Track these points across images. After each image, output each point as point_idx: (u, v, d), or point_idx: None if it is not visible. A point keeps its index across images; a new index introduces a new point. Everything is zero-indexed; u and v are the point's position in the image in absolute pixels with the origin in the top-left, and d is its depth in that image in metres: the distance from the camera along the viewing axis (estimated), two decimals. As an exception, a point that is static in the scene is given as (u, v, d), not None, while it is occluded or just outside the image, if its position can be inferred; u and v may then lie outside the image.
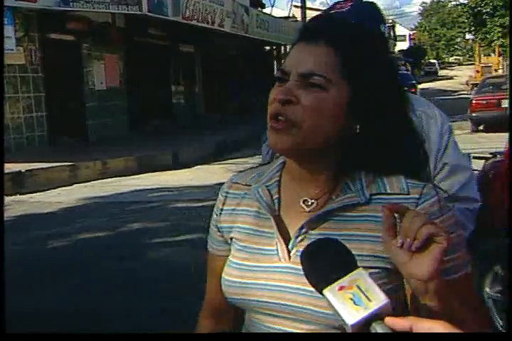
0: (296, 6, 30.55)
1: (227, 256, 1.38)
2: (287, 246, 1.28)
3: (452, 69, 62.69)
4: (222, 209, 1.43)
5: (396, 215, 1.10)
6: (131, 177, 10.90)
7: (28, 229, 7.18)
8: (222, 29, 17.53)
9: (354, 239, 1.21)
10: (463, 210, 1.98)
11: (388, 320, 0.95)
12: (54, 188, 10.02)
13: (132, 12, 13.12)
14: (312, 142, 1.24)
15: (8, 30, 11.09)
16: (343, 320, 0.96)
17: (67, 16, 12.90)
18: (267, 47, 27.64)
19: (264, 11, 27.25)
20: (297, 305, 1.23)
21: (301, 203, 1.32)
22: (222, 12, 17.29)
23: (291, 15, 30.89)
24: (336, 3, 2.04)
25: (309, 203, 1.31)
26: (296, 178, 1.34)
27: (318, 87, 1.22)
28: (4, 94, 10.24)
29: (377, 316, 0.96)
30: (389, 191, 1.26)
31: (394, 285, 1.21)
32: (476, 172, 2.06)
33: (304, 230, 1.27)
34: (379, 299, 0.97)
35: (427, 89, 34.57)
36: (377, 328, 0.95)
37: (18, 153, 11.67)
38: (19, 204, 8.85)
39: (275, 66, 28.26)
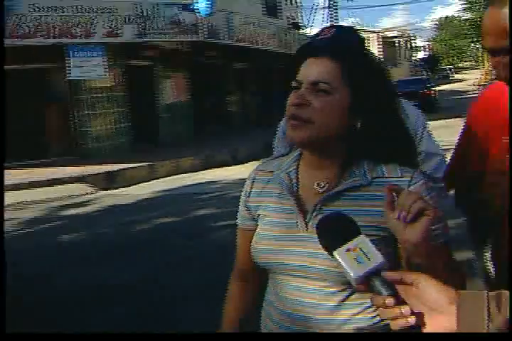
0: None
1: (252, 230, 1.38)
2: (305, 220, 1.28)
3: (464, 73, 60.80)
4: (250, 192, 1.42)
5: (394, 194, 1.09)
6: (197, 173, 10.94)
7: (117, 216, 7.39)
8: (267, 48, 17.45)
9: (359, 213, 1.20)
10: (437, 188, 1.89)
11: (384, 273, 0.96)
12: (137, 184, 10.11)
13: (193, 39, 13.22)
14: (322, 136, 1.25)
15: (99, 61, 11.40)
16: (349, 275, 0.98)
17: (144, 46, 12.99)
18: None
19: (304, 31, 27.08)
20: (313, 266, 1.23)
21: (315, 185, 1.31)
22: (266, 34, 17.27)
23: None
24: (322, 30, 2.02)
25: (322, 185, 1.31)
26: (310, 166, 1.34)
27: (324, 92, 1.24)
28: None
29: (376, 272, 0.97)
30: (386, 175, 1.26)
31: (390, 249, 1.20)
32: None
33: (318, 206, 1.27)
34: (377, 259, 0.98)
35: (442, 91, 33.63)
36: (375, 280, 0.97)
37: (109, 157, 11.84)
38: (110, 197, 9.02)
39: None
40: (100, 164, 10.89)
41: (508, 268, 1.08)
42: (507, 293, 0.90)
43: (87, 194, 9.30)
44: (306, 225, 1.27)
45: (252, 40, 16.15)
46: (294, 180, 1.33)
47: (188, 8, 12.20)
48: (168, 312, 3.85)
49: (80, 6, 10.78)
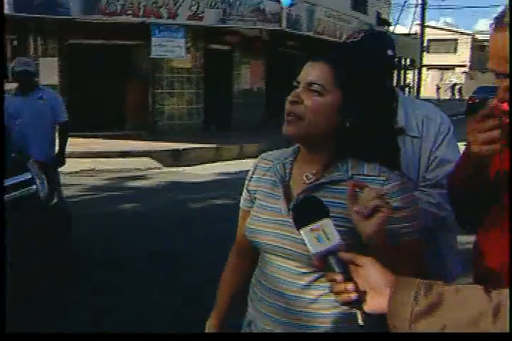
0: (418, 24, 29.51)
1: (249, 211, 1.51)
2: (288, 206, 1.38)
3: None
4: (251, 177, 1.54)
5: (357, 190, 1.18)
6: None
7: (174, 193, 7.64)
8: (348, 43, 17.43)
9: (333, 205, 1.27)
10: (443, 194, 1.88)
11: (339, 253, 1.07)
12: (202, 164, 10.33)
13: (274, 28, 13.39)
14: (311, 133, 1.33)
15: (181, 42, 11.81)
16: (311, 250, 1.09)
17: (225, 31, 13.23)
18: (388, 59, 26.91)
19: (391, 28, 26.58)
20: (288, 248, 1.34)
21: (304, 177, 1.41)
22: (349, 29, 17.16)
23: (412, 32, 29.82)
24: (352, 33, 2.05)
25: (309, 177, 1.40)
26: (303, 159, 1.44)
27: (317, 93, 1.32)
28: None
29: (332, 252, 1.08)
30: (365, 173, 1.33)
31: (355, 240, 1.21)
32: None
33: (300, 195, 1.36)
34: (335, 240, 1.09)
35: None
36: (331, 259, 1.08)
37: (179, 136, 12.16)
38: (174, 174, 9.32)
39: (394, 75, 27.44)
40: (170, 141, 11.30)
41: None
42: (439, 283, 1.03)
43: (152, 169, 9.73)
44: (288, 211, 1.37)
45: (333, 33, 16.06)
46: (288, 171, 1.44)
47: (271, -4, 12.37)
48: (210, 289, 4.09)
49: (168, -12, 11.18)
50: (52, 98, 5.08)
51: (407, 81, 30.60)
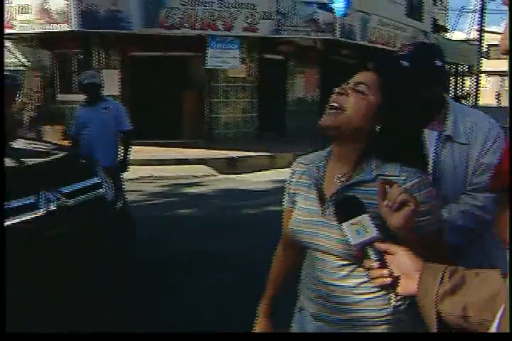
0: (476, 30, 28.94)
1: (292, 211, 1.66)
2: (322, 207, 1.53)
3: None
4: (290, 181, 1.70)
5: (386, 187, 1.31)
6: None
7: (230, 199, 7.90)
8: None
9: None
10: (489, 198, 1.98)
11: (375, 244, 1.23)
12: (256, 171, 10.55)
13: (328, 37, 13.50)
14: (346, 125, 1.47)
15: (236, 53, 12.08)
16: (351, 242, 1.25)
17: (279, 41, 13.43)
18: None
19: (448, 34, 26.22)
20: (325, 245, 1.51)
21: (336, 178, 1.55)
22: (403, 37, 17.04)
23: (471, 37, 29.27)
24: (403, 46, 2.14)
25: (340, 178, 1.54)
26: (335, 161, 1.57)
27: (361, 92, 1.49)
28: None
29: (370, 243, 1.23)
30: (387, 174, 1.46)
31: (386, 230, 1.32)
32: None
33: (334, 197, 1.51)
34: (373, 233, 1.24)
35: None
36: (369, 249, 1.23)
37: (234, 144, 12.44)
38: (230, 181, 9.57)
39: (451, 81, 27.01)
40: (225, 149, 11.58)
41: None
42: (461, 268, 1.19)
43: (207, 176, 10.03)
44: (324, 212, 1.52)
45: (387, 42, 16.04)
46: (322, 174, 1.59)
47: (324, 7, 12.49)
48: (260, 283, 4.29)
49: (223, 1, 11.51)
50: (117, 108, 5.42)
51: (465, 88, 29.99)
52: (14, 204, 3.16)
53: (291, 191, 1.69)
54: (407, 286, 1.19)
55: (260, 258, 4.83)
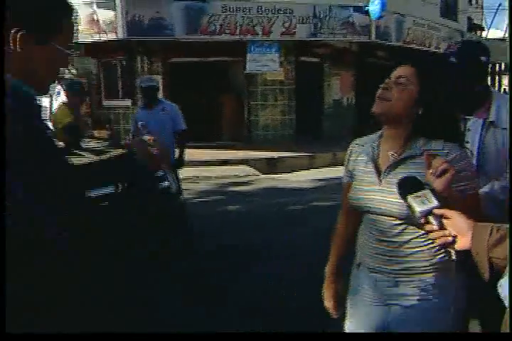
0: (512, 28, 28.50)
1: (350, 184, 2.00)
2: (379, 178, 1.87)
3: None
4: (349, 160, 2.05)
5: (431, 159, 1.61)
6: None
7: (273, 197, 8.28)
8: (438, 51, 17.43)
9: (410, 174, 1.68)
10: None
11: (435, 210, 1.49)
12: (296, 171, 10.91)
13: (363, 40, 13.77)
14: (394, 111, 1.81)
15: (274, 56, 12.45)
16: (417, 211, 1.49)
17: (315, 44, 13.69)
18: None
19: (484, 33, 26.02)
20: (382, 207, 1.83)
21: (389, 154, 1.88)
22: (438, 37, 17.16)
23: (507, 36, 28.88)
24: (450, 45, 2.51)
25: (393, 155, 1.87)
26: (386, 141, 1.91)
27: (401, 85, 1.83)
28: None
29: (431, 210, 1.49)
30: (433, 148, 1.77)
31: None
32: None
33: (388, 169, 1.85)
34: (434, 202, 1.50)
35: None
36: (431, 216, 1.49)
37: (274, 145, 12.80)
38: (271, 180, 9.95)
39: (488, 79, 26.73)
40: (265, 151, 11.97)
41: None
42: (505, 225, 1.47)
43: (249, 176, 10.42)
44: (380, 181, 1.86)
45: (422, 42, 16.13)
46: (376, 151, 1.93)
47: (360, 10, 12.76)
48: (309, 271, 4.64)
49: (261, 7, 11.91)
50: (173, 109, 5.83)
51: (503, 86, 29.69)
52: (96, 192, 3.57)
53: (350, 168, 2.03)
54: (463, 242, 1.48)
55: (307, 248, 5.30)
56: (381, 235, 1.90)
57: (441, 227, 1.49)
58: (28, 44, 1.30)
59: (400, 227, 1.84)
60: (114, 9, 10.98)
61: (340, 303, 2.14)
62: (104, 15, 11.05)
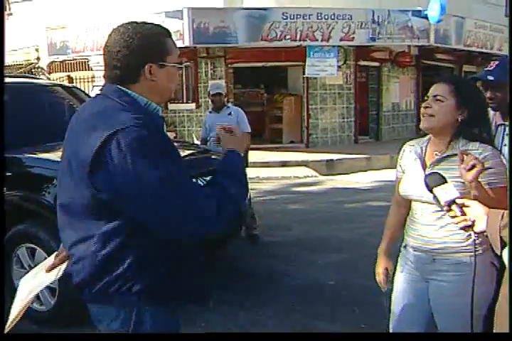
0: None
1: (401, 178, 2.38)
2: (424, 172, 2.22)
3: None
4: (402, 157, 2.41)
5: (464, 155, 1.98)
6: None
7: (333, 196, 8.67)
8: (500, 53, 17.24)
9: (449, 170, 2.10)
10: None
11: (457, 200, 1.86)
12: (354, 172, 11.17)
13: (422, 44, 13.92)
14: (440, 125, 2.18)
15: (333, 61, 12.78)
16: (441, 200, 1.86)
17: (374, 48, 13.93)
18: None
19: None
20: (425, 197, 2.14)
21: (434, 154, 2.27)
22: (501, 38, 16.95)
23: None
24: (489, 63, 2.57)
25: (437, 154, 2.25)
26: (433, 143, 2.28)
27: (439, 101, 2.19)
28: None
29: (454, 200, 1.86)
30: (470, 148, 2.13)
31: (468, 190, 2.01)
32: None
33: (432, 165, 2.22)
34: (455, 193, 1.87)
35: None
36: (453, 204, 1.85)
37: (332, 147, 13.22)
38: (330, 181, 10.31)
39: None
40: (323, 153, 12.32)
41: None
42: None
43: (309, 177, 10.82)
44: (425, 176, 2.19)
45: (484, 44, 16.11)
46: (424, 151, 2.32)
47: (419, 14, 12.92)
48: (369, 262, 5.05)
49: (321, 14, 12.30)
50: (238, 113, 6.32)
51: None
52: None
53: (402, 164, 2.42)
54: (480, 225, 1.85)
55: (367, 242, 5.69)
56: (424, 220, 2.30)
57: (463, 214, 1.86)
58: (154, 70, 1.77)
59: (440, 213, 2.22)
60: (181, 18, 11.63)
61: (389, 279, 2.56)
62: (172, 23, 11.70)
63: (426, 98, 2.28)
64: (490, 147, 2.18)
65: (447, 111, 2.20)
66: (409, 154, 2.39)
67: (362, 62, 14.35)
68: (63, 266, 1.92)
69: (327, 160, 11.65)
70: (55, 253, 2.00)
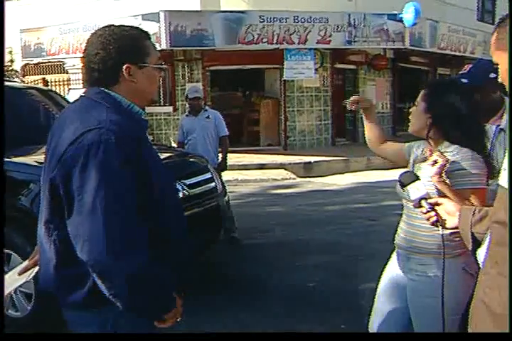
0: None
1: (403, 149, 2.53)
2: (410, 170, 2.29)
3: None
4: (413, 149, 2.45)
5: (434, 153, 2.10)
6: (387, 170, 11.25)
7: (311, 198, 8.70)
8: (473, 56, 17.50)
9: (429, 169, 2.13)
10: None
11: (428, 199, 1.96)
12: (332, 175, 11.23)
13: (397, 47, 14.04)
14: (414, 128, 2.31)
15: (310, 64, 12.86)
16: (411, 198, 2.00)
17: (350, 51, 14.07)
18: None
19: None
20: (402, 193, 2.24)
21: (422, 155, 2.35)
22: (474, 42, 17.25)
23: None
24: (464, 66, 2.65)
25: (426, 155, 2.27)
26: (427, 145, 2.35)
27: (415, 105, 2.32)
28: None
29: (424, 197, 1.97)
30: (448, 150, 2.20)
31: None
32: None
33: (416, 164, 2.32)
34: (423, 191, 1.99)
35: None
36: (423, 202, 1.96)
37: (310, 149, 13.32)
38: (308, 183, 10.35)
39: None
40: (301, 155, 12.38)
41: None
42: (485, 207, 1.86)
43: (288, 179, 10.85)
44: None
45: (457, 48, 16.33)
46: (420, 150, 2.40)
47: (394, 17, 13.06)
48: (350, 264, 5.08)
49: (298, 17, 12.36)
50: (216, 117, 6.31)
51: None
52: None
53: (410, 151, 2.49)
54: (453, 221, 1.91)
55: (347, 244, 5.74)
56: (406, 217, 2.36)
57: (432, 210, 1.94)
58: (133, 71, 1.76)
59: (416, 212, 2.21)
60: (158, 21, 11.58)
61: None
62: (149, 26, 11.64)
63: (416, 104, 2.37)
64: (466, 150, 2.20)
65: (418, 115, 2.31)
66: (415, 151, 2.46)
67: (338, 65, 14.48)
68: (36, 269, 1.90)
69: (305, 163, 11.72)
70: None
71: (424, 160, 2.27)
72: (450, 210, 1.92)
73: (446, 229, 1.94)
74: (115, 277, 1.56)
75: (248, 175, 10.85)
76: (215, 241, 4.91)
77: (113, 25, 1.81)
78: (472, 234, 1.78)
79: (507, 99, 2.79)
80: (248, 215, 7.05)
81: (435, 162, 2.06)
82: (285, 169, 11.46)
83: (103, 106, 1.70)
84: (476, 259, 1.71)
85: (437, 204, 1.94)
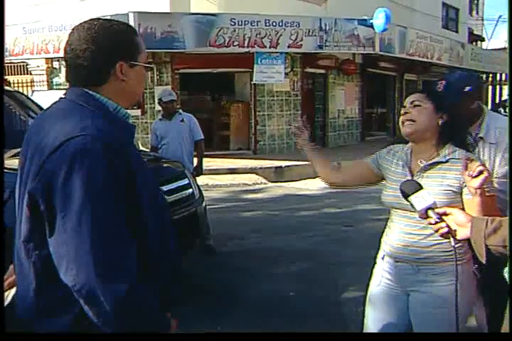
0: (512, 38, 28.89)
1: (370, 167, 2.42)
2: (412, 178, 2.21)
3: None
4: (385, 157, 2.38)
5: (468, 162, 1.99)
6: None
7: (284, 204, 8.60)
8: (440, 62, 17.78)
9: (437, 177, 2.14)
10: (504, 183, 2.48)
11: (436, 209, 1.80)
12: (303, 179, 10.93)
13: (367, 52, 14.10)
14: (422, 128, 2.20)
15: (280, 68, 12.78)
16: (416, 208, 1.83)
17: (320, 56, 14.08)
18: (483, 76, 26.71)
19: (484, 43, 26.44)
20: (399, 203, 2.15)
21: (419, 161, 2.27)
22: (440, 49, 17.52)
23: (506, 46, 29.36)
24: (441, 78, 2.67)
25: (422, 161, 2.25)
26: (416, 150, 2.28)
27: (418, 106, 2.23)
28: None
29: (430, 207, 1.81)
30: (457, 157, 2.16)
31: (456, 199, 2.09)
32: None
33: (419, 173, 2.22)
34: (431, 200, 1.83)
35: None
36: (430, 211, 1.80)
37: (280, 154, 13.22)
38: (279, 188, 10.27)
39: (490, 90, 27.19)
40: (272, 159, 12.29)
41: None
42: (498, 218, 1.79)
43: (259, 184, 10.73)
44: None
45: (424, 54, 16.53)
46: (409, 158, 2.31)
47: (365, 23, 13.13)
48: (327, 272, 4.98)
49: (269, 20, 12.28)
50: (191, 120, 6.16)
51: (504, 96, 30.07)
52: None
53: (383, 163, 2.40)
54: (464, 232, 1.79)
55: (323, 251, 5.64)
56: (409, 228, 2.23)
57: (441, 220, 1.81)
58: (125, 70, 1.59)
59: (426, 221, 2.11)
60: (127, 22, 11.32)
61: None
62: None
63: (403, 108, 2.27)
64: (476, 156, 2.19)
65: (427, 114, 2.22)
66: (393, 158, 2.36)
67: (309, 69, 14.49)
68: (12, 292, 1.68)
69: (276, 167, 11.61)
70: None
71: (426, 169, 2.21)
72: (461, 221, 1.80)
73: (457, 240, 1.84)
74: (104, 301, 1.39)
75: (219, 179, 10.70)
76: (192, 247, 4.75)
77: (100, 18, 1.64)
78: (486, 246, 1.69)
79: (485, 108, 2.79)
80: (221, 221, 6.90)
81: (480, 172, 1.94)
82: (256, 174, 11.34)
83: (87, 109, 1.53)
84: (503, 277, 1.61)
85: (445, 214, 1.82)
